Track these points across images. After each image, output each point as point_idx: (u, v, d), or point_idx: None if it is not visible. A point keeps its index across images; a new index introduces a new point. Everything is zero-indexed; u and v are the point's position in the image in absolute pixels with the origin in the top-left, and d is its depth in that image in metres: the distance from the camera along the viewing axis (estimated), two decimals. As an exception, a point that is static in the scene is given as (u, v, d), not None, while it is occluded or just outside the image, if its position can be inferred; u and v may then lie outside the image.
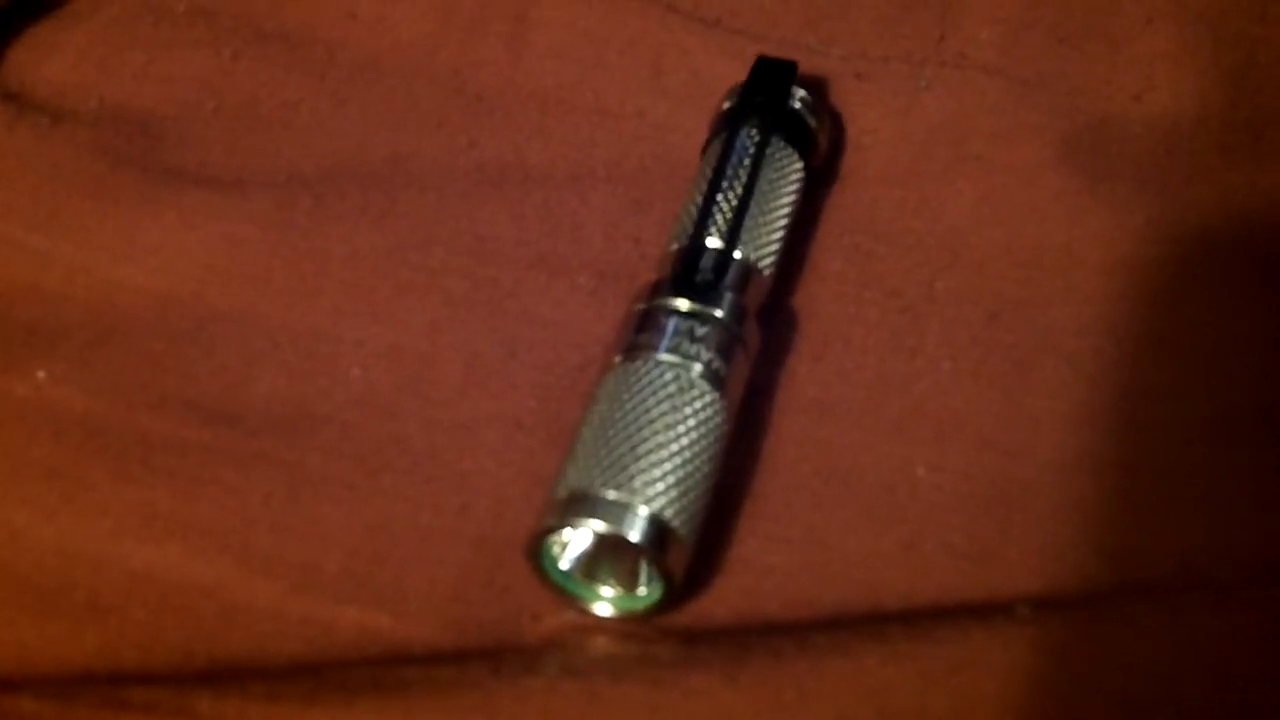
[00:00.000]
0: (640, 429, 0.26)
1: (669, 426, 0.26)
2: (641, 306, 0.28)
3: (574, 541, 0.26)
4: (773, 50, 0.32)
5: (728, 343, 0.28)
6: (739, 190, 0.30)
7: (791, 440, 0.29)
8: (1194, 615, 0.27)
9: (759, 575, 0.28)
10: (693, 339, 0.27)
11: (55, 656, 0.26)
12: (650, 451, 0.26)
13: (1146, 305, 0.30)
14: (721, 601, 0.28)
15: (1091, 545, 0.28)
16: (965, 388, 0.30)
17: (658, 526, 0.25)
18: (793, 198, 0.31)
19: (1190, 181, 0.31)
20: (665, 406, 0.26)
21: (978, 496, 0.29)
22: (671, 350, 0.27)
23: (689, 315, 0.28)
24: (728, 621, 0.27)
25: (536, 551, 0.26)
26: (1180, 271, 0.30)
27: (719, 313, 0.28)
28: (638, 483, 0.25)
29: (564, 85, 0.34)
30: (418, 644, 0.27)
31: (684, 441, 0.26)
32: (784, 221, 0.30)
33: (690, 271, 0.29)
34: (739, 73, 0.32)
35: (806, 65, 0.32)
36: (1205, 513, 0.28)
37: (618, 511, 0.25)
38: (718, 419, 0.27)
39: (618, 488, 0.25)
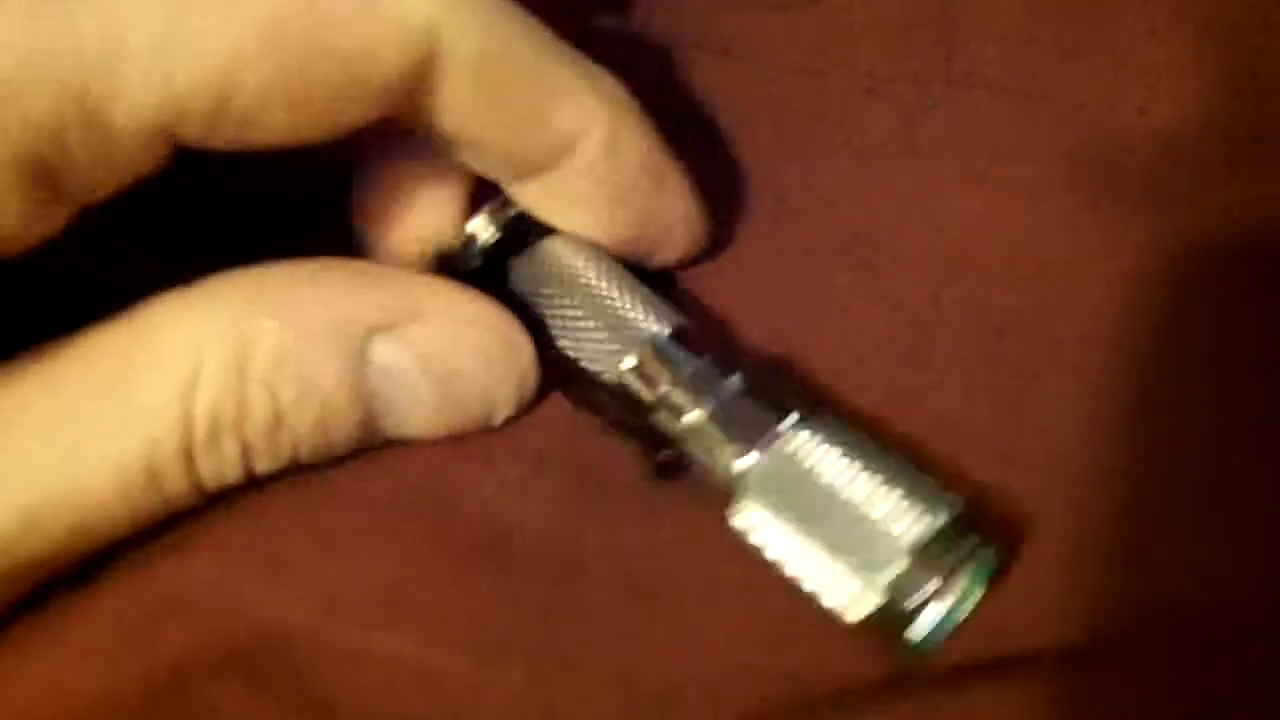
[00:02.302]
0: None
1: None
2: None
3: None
4: (778, 75, 0.33)
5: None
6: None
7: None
8: (1220, 649, 0.26)
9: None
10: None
11: None
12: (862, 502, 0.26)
13: (1152, 318, 0.31)
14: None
15: (1105, 567, 0.28)
16: (977, 402, 0.30)
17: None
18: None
19: (1194, 194, 0.31)
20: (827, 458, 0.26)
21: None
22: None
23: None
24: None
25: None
26: (1184, 284, 0.31)
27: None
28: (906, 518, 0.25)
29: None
30: (449, 674, 0.27)
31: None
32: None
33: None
34: (740, 89, 0.32)
35: (813, 88, 0.33)
36: (1222, 525, 0.28)
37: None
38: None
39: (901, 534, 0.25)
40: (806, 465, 0.26)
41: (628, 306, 0.29)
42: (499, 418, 0.28)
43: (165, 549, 0.27)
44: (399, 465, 0.29)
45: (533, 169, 0.28)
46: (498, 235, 0.30)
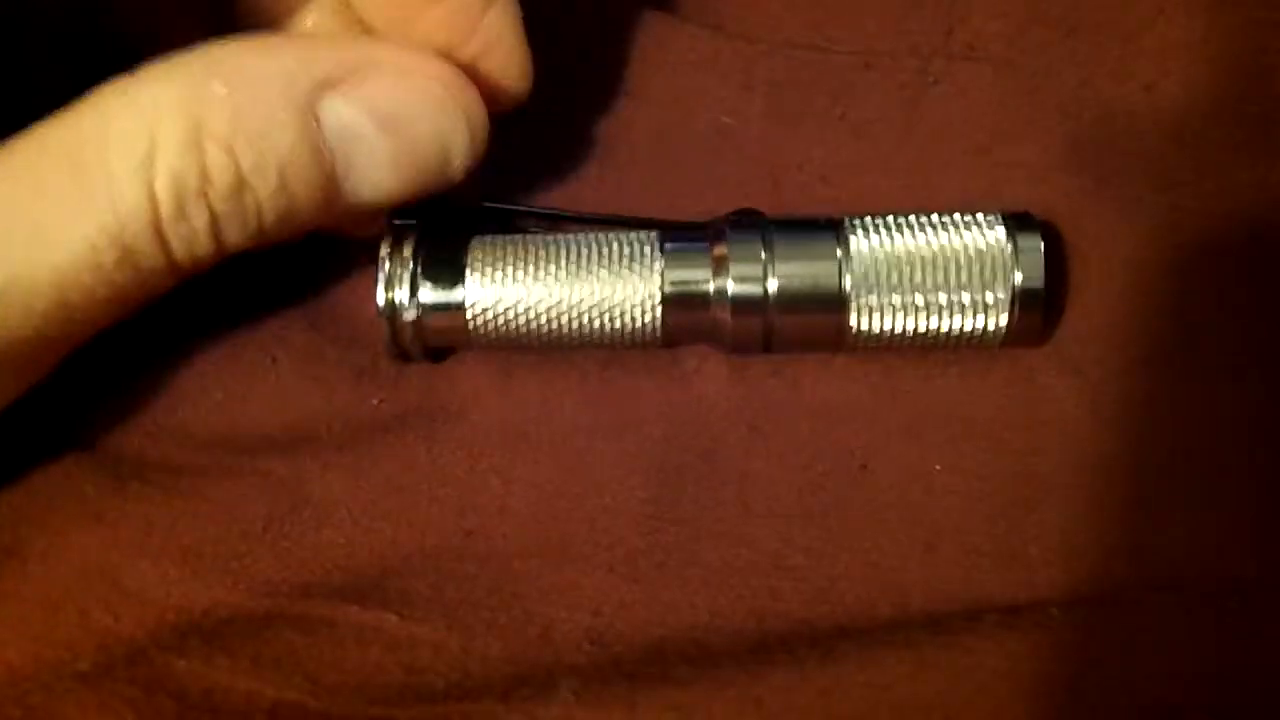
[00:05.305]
0: None
1: None
2: None
3: None
4: (776, 51, 0.32)
5: None
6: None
7: (806, 442, 0.29)
8: (1223, 614, 0.27)
9: (779, 576, 0.28)
10: None
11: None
12: None
13: (1153, 306, 0.30)
14: (741, 602, 0.28)
15: (1113, 542, 0.28)
16: (974, 391, 0.30)
17: None
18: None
19: (1199, 178, 0.30)
20: None
21: (994, 495, 0.29)
22: None
23: None
24: (748, 623, 0.27)
25: None
26: (1186, 271, 0.30)
27: None
28: None
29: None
30: (424, 644, 0.27)
31: None
32: None
33: None
34: (736, 64, 0.31)
35: (813, 65, 0.32)
36: (1219, 511, 0.28)
37: None
38: None
39: None
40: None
41: (617, 243, 0.29)
42: (456, 168, 0.28)
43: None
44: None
45: None
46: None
